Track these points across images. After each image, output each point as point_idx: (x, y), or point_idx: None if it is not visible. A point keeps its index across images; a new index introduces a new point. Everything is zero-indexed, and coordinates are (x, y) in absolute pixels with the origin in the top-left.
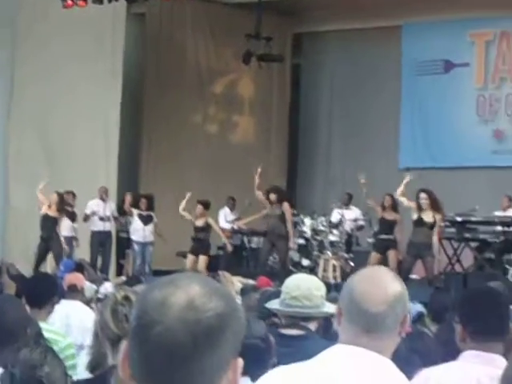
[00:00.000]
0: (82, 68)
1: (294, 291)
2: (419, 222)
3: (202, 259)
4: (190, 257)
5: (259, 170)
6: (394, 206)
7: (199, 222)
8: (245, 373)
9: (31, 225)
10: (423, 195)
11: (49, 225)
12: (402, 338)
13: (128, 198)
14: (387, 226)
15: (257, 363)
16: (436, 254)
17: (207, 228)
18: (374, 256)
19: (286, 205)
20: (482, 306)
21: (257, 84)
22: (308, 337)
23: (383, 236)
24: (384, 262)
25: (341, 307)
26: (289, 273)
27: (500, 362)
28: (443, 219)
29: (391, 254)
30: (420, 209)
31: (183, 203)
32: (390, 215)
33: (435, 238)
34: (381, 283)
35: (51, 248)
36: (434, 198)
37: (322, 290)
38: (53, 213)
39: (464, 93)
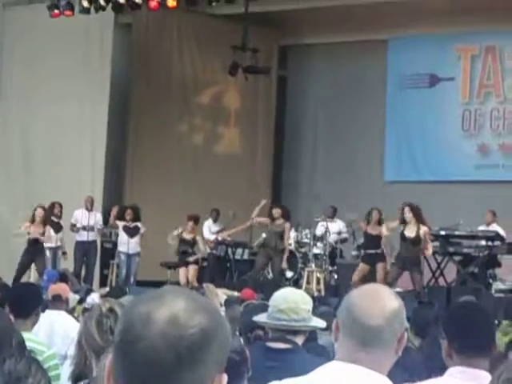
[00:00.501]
0: (69, 78)
1: (281, 304)
2: (402, 237)
3: (192, 269)
4: (182, 270)
5: (263, 202)
6: (380, 221)
7: (188, 236)
8: None
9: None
10: (407, 209)
11: (33, 244)
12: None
13: (114, 213)
14: (373, 241)
15: (232, 376)
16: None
17: (193, 243)
18: (362, 267)
19: (288, 225)
20: (467, 322)
21: (243, 95)
22: (294, 351)
23: (371, 251)
24: (372, 274)
25: (338, 322)
26: (274, 285)
27: (486, 379)
28: (429, 233)
29: (379, 267)
30: (404, 223)
31: (173, 234)
32: (374, 230)
33: (429, 251)
34: (379, 298)
35: (35, 260)
36: (418, 211)
37: (309, 304)
38: (35, 235)
39: (449, 107)
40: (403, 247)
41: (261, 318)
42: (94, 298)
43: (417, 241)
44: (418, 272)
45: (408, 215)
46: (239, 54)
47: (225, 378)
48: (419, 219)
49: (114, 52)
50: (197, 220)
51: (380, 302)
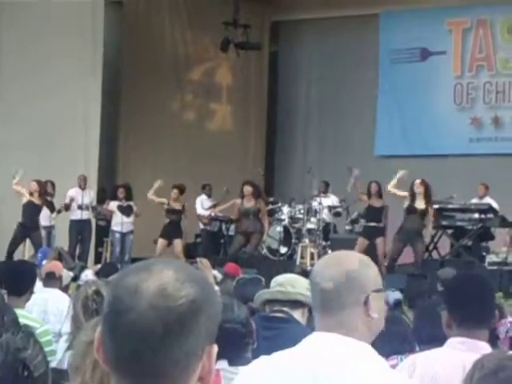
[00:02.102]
0: (61, 56)
1: (281, 279)
2: (410, 210)
3: (178, 243)
4: (161, 241)
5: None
6: (380, 193)
7: (175, 205)
8: (223, 356)
9: (8, 213)
10: (418, 181)
11: (32, 212)
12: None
13: (110, 205)
14: (375, 214)
15: (236, 347)
16: (427, 240)
17: (181, 211)
18: (362, 242)
19: (262, 205)
20: (468, 293)
21: (234, 72)
22: (289, 320)
23: (372, 224)
24: (371, 248)
25: None
26: (266, 260)
27: (486, 350)
28: (434, 212)
29: (379, 241)
30: (413, 197)
31: (152, 190)
32: (377, 202)
33: (430, 226)
34: (336, 263)
35: (31, 236)
36: (428, 187)
37: (295, 284)
38: (36, 200)
39: (441, 81)
40: (409, 220)
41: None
42: (87, 274)
43: (425, 213)
44: (421, 243)
45: (418, 189)
46: (230, 30)
47: (215, 348)
48: (428, 195)
49: (106, 29)
50: (182, 189)
51: (337, 265)
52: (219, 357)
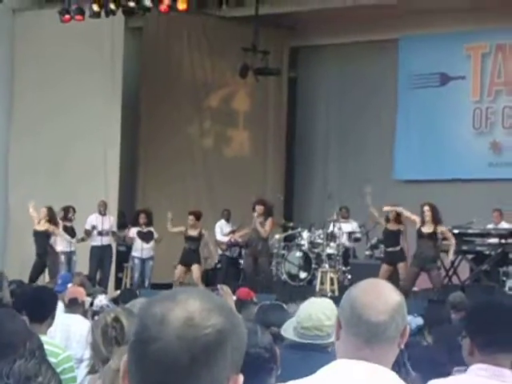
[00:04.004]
0: (81, 81)
1: (306, 322)
2: (419, 234)
3: (196, 268)
4: (180, 267)
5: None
6: (398, 217)
7: (192, 232)
8: (247, 382)
9: (30, 239)
10: (426, 208)
11: (40, 240)
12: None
13: (131, 231)
14: (392, 237)
15: (261, 372)
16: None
17: (200, 238)
18: (384, 268)
19: (269, 221)
20: (490, 318)
21: (253, 98)
22: (321, 350)
23: (390, 249)
24: (393, 273)
25: (340, 319)
26: (285, 285)
27: (509, 376)
28: (448, 231)
29: (401, 267)
30: (423, 222)
31: (168, 223)
32: (393, 226)
33: (452, 249)
34: (381, 294)
35: (46, 263)
36: (436, 211)
37: (333, 318)
38: (41, 227)
39: (460, 105)
40: (421, 244)
41: (288, 333)
42: (101, 299)
43: (433, 236)
44: (436, 269)
45: (427, 214)
46: (250, 56)
47: (241, 378)
48: (436, 218)
49: (125, 56)
50: (198, 215)
51: (382, 297)
52: (244, 383)
